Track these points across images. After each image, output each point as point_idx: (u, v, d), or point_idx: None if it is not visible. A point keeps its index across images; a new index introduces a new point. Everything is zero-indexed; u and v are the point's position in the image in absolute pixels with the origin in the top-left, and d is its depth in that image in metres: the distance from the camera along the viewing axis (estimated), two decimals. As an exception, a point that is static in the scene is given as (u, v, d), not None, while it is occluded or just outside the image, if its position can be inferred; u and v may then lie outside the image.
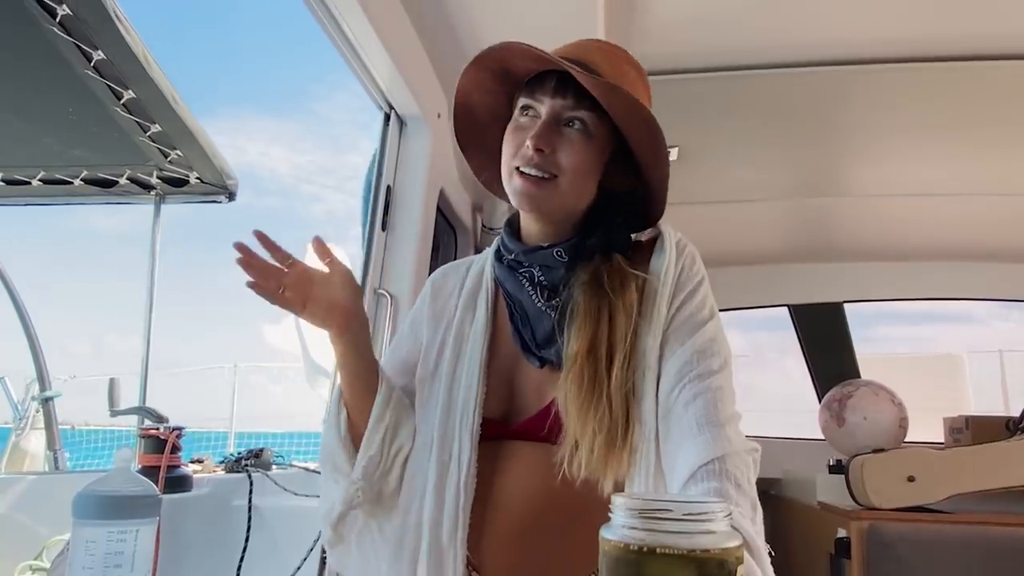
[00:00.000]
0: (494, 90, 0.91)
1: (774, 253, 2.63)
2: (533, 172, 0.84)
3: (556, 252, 0.88)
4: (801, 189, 2.21)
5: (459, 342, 0.93)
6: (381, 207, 1.54)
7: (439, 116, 1.64)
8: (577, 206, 0.89)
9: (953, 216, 2.29)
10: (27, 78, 1.95)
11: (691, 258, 0.89)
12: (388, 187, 1.56)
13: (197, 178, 2.46)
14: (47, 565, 1.74)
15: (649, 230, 0.94)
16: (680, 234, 0.92)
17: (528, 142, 0.84)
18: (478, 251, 2.15)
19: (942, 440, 2.23)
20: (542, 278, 0.89)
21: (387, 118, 1.57)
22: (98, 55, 1.83)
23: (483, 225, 2.13)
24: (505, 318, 0.93)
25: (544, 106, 0.86)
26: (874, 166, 2.03)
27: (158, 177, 2.44)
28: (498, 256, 0.94)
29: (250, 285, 0.84)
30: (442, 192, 1.73)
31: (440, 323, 0.96)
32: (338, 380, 0.94)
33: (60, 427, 2.60)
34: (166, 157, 2.33)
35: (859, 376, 2.63)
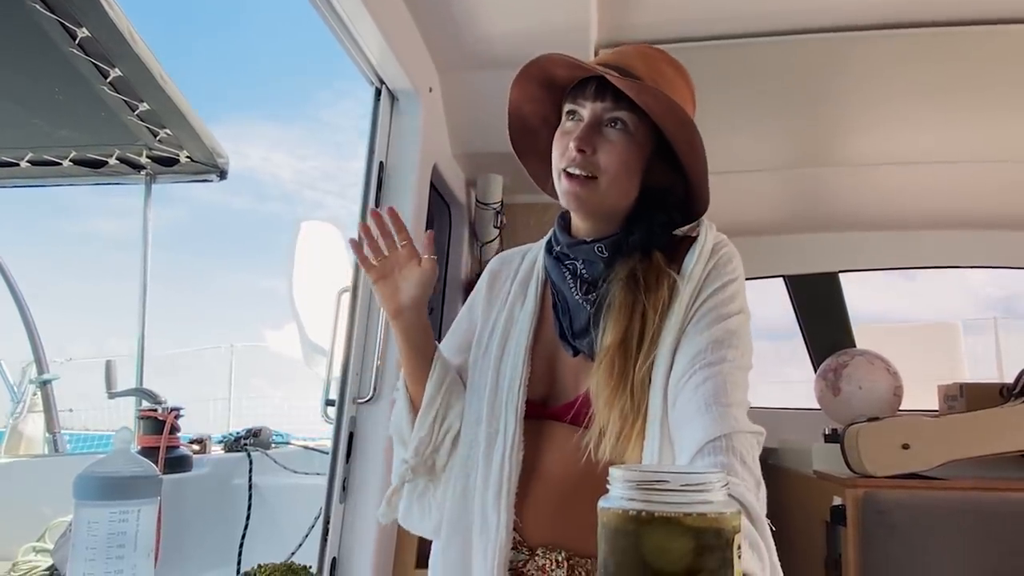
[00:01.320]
0: (541, 98, 0.98)
1: (769, 223, 2.62)
2: (577, 172, 0.90)
3: (597, 248, 0.94)
4: (796, 159, 2.20)
5: (508, 325, 1.00)
6: (374, 184, 1.52)
7: (431, 90, 1.62)
8: (620, 203, 0.95)
9: (949, 184, 2.28)
10: (11, 57, 1.92)
11: (726, 258, 0.93)
12: (380, 163, 1.54)
13: (187, 157, 2.43)
14: (50, 546, 1.76)
15: (696, 227, 0.98)
16: (723, 235, 0.96)
17: (571, 144, 0.90)
18: (472, 227, 2.15)
19: (937, 408, 2.25)
20: (584, 271, 0.95)
21: (378, 93, 1.55)
22: (82, 32, 1.80)
23: (477, 200, 2.12)
24: (551, 306, 1.00)
25: (586, 110, 0.92)
26: (870, 134, 2.01)
27: (148, 156, 2.42)
28: (548, 247, 1.01)
29: (355, 248, 0.98)
30: (435, 168, 1.71)
31: (494, 306, 1.04)
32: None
33: (61, 432, 2.61)
34: (155, 136, 2.30)
35: (854, 345, 2.64)
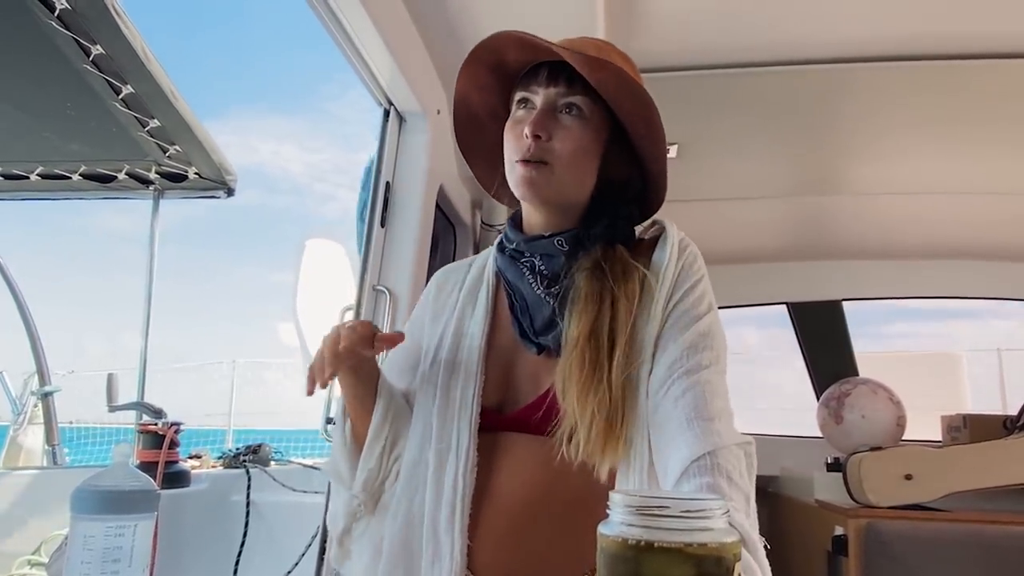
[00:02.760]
0: (490, 86, 0.93)
1: (772, 251, 2.63)
2: (531, 159, 0.86)
3: (557, 241, 0.89)
4: (800, 187, 2.21)
5: (458, 334, 0.95)
6: (380, 203, 1.54)
7: (439, 112, 1.64)
8: (578, 194, 0.90)
9: (952, 214, 2.29)
10: (25, 72, 1.95)
11: (692, 256, 0.90)
12: (387, 183, 1.56)
13: (196, 173, 2.45)
14: (45, 560, 1.74)
15: (653, 228, 0.95)
16: (683, 233, 0.93)
17: (525, 130, 0.86)
18: (477, 248, 2.15)
19: (940, 438, 2.23)
20: (542, 267, 0.90)
21: (386, 114, 1.56)
22: (96, 50, 1.83)
23: (482, 222, 2.13)
24: (505, 310, 0.94)
25: (539, 96, 0.88)
26: (873, 164, 2.03)
27: (156, 172, 2.44)
28: (500, 247, 0.96)
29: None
30: (441, 189, 1.72)
31: (440, 318, 0.98)
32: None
33: (59, 425, 2.60)
34: (164, 152, 2.33)
35: (857, 374, 2.63)
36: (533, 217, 0.93)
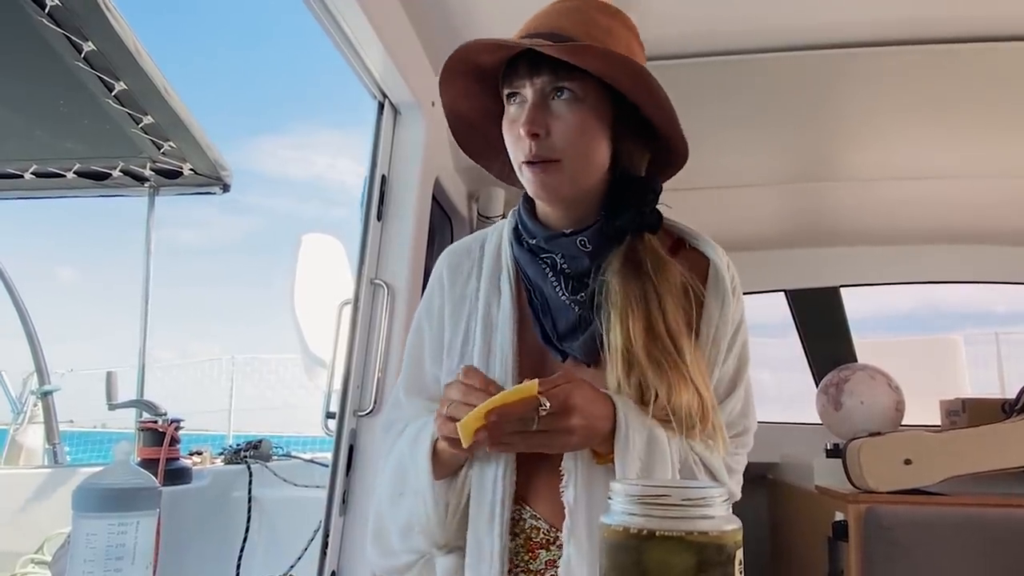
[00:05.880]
0: (475, 91, 0.90)
1: (770, 238, 2.63)
2: (536, 160, 0.83)
3: (579, 241, 0.86)
4: (797, 173, 2.20)
5: (488, 330, 0.90)
6: (376, 196, 1.53)
7: (433, 104, 1.63)
8: (593, 180, 0.86)
9: (949, 199, 2.29)
10: (17, 70, 1.94)
11: (739, 285, 0.94)
12: (383, 176, 1.55)
13: (191, 169, 2.45)
14: (48, 558, 1.75)
15: (675, 227, 0.96)
16: (726, 256, 0.94)
17: (521, 131, 0.82)
18: (474, 240, 2.15)
19: (939, 423, 2.24)
20: (565, 266, 0.87)
21: (381, 107, 1.55)
22: (88, 46, 1.82)
23: (479, 214, 2.13)
24: (528, 303, 0.91)
25: (526, 89, 0.84)
26: (870, 149, 2.02)
27: (151, 169, 2.44)
28: (517, 236, 0.92)
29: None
30: (437, 181, 1.72)
31: (462, 309, 0.94)
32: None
33: (62, 427, 2.61)
34: (159, 149, 2.33)
35: (856, 360, 2.64)
36: (550, 210, 0.89)
